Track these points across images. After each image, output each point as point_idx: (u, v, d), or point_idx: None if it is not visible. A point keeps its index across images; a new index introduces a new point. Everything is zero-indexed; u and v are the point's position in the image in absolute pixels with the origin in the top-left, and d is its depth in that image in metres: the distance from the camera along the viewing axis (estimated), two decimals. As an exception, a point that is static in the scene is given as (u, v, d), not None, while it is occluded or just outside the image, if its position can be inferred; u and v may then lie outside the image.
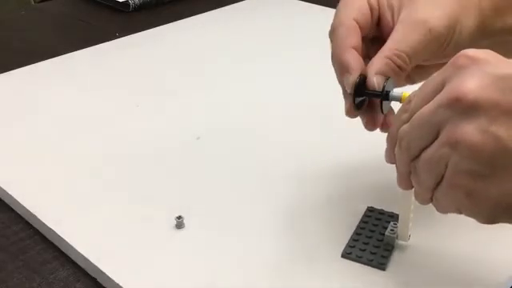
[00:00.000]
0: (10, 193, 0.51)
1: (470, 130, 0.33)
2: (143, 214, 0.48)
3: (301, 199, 0.50)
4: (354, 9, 0.44)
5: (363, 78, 0.42)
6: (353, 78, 0.42)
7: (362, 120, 0.45)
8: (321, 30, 0.88)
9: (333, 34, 0.44)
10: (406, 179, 0.38)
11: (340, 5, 0.45)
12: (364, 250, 0.44)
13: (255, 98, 0.66)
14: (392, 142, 0.39)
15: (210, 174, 0.53)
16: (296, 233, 0.46)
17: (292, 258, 0.44)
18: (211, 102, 0.66)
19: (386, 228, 0.45)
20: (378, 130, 0.45)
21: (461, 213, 0.36)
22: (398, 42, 0.42)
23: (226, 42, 0.83)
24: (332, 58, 0.44)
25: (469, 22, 0.42)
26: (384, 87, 0.41)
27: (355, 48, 0.43)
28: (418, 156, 0.36)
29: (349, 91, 0.42)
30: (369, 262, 0.43)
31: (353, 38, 0.43)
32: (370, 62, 0.42)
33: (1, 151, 0.57)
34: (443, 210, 0.37)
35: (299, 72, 0.73)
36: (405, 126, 0.37)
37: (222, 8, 0.95)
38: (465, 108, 0.33)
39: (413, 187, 0.39)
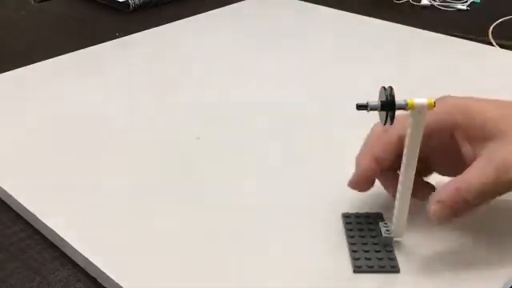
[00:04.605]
0: (9, 192, 0.51)
1: None
2: (143, 214, 0.48)
3: (300, 200, 0.50)
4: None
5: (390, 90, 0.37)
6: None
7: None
8: (321, 29, 0.88)
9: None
10: None
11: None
12: (370, 259, 0.42)
13: (255, 98, 0.66)
14: None
15: (210, 173, 0.53)
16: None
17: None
18: (211, 101, 0.66)
19: (372, 230, 0.44)
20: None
21: None
22: (474, 179, 0.39)
23: (226, 41, 0.83)
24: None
25: None
26: (388, 96, 0.37)
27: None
28: None
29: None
30: (382, 269, 0.42)
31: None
32: (437, 190, 0.41)
33: (1, 151, 0.57)
34: None
35: (299, 72, 0.73)
36: None
37: (222, 8, 0.95)
38: None
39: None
